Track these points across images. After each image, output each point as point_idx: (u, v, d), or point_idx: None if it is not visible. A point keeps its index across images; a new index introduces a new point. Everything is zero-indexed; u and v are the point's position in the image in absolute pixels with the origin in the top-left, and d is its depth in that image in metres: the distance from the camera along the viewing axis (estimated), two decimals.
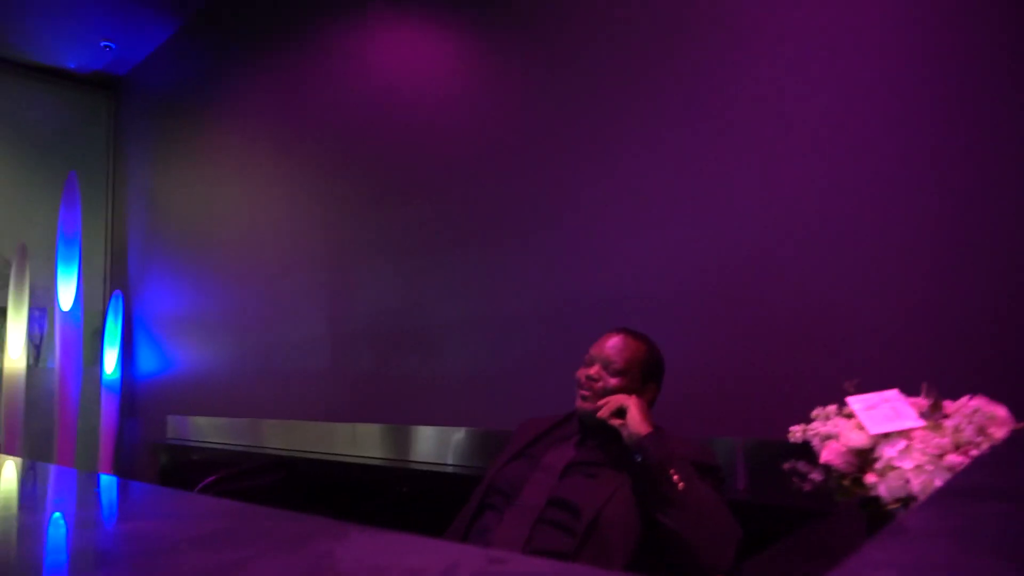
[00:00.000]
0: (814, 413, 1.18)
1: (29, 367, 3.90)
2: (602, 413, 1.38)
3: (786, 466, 1.18)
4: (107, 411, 3.93)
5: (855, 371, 1.19)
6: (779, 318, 1.69)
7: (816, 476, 1.14)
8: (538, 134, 2.22)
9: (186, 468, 3.27)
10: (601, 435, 1.44)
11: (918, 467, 1.02)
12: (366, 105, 2.79)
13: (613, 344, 1.48)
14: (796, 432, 1.17)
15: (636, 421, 1.33)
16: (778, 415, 1.67)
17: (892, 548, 0.35)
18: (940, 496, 0.51)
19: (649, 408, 1.42)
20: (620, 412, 1.37)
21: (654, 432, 1.31)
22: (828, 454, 1.11)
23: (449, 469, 2.25)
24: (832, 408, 1.17)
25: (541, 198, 2.19)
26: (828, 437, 1.13)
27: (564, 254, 2.11)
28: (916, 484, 1.01)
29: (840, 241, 1.62)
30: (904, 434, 1.05)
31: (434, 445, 2.38)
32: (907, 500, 1.03)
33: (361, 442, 2.61)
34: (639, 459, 1.29)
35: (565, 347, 2.06)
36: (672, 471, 1.24)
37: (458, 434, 2.31)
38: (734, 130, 1.79)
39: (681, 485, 1.23)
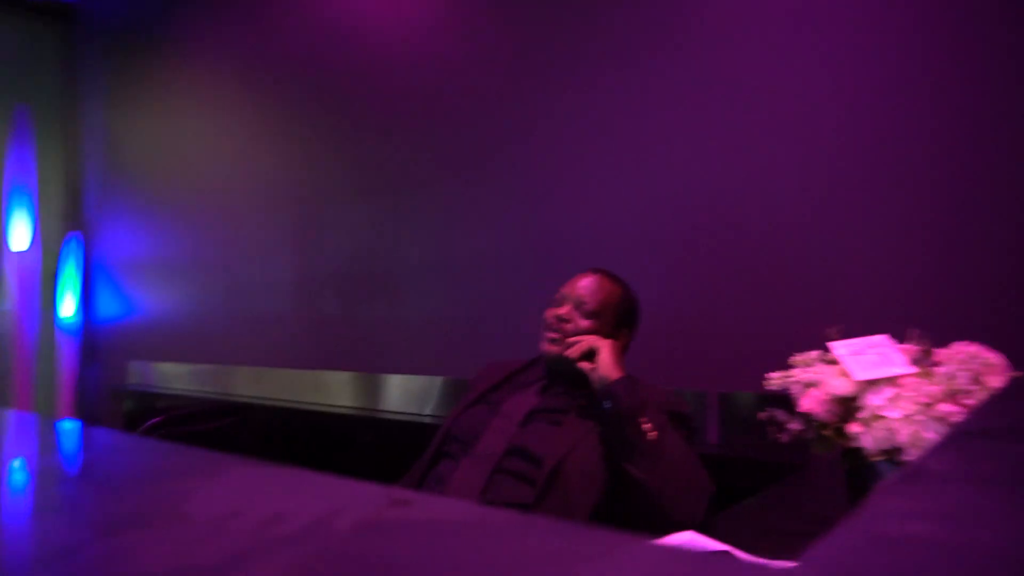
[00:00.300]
0: (794, 359, 1.09)
1: None
2: (571, 352, 1.28)
3: (762, 415, 1.10)
4: (66, 356, 3.80)
5: (837, 321, 1.09)
6: (757, 264, 1.60)
7: (795, 426, 1.06)
8: (508, 69, 2.07)
9: (151, 415, 3.16)
10: (567, 380, 1.34)
11: (907, 417, 0.93)
12: (332, 40, 2.62)
13: (586, 284, 1.37)
14: (774, 379, 1.08)
15: (607, 365, 1.23)
16: (752, 367, 1.60)
17: (915, 495, 0.25)
18: (953, 439, 0.41)
19: (622, 354, 1.33)
20: (590, 355, 1.27)
21: (626, 378, 1.22)
22: (809, 402, 1.03)
23: (414, 418, 2.17)
24: (814, 354, 1.08)
25: (512, 136, 2.06)
26: (809, 385, 1.04)
27: (535, 194, 2.00)
28: (904, 435, 0.93)
29: (824, 182, 1.52)
30: (892, 381, 0.96)
31: (400, 393, 2.29)
32: (893, 452, 0.95)
33: (325, 390, 2.52)
34: (608, 405, 1.20)
35: (537, 290, 1.95)
36: (643, 419, 1.15)
37: (424, 382, 2.21)
38: (717, 64, 1.66)
39: (652, 434, 1.15)
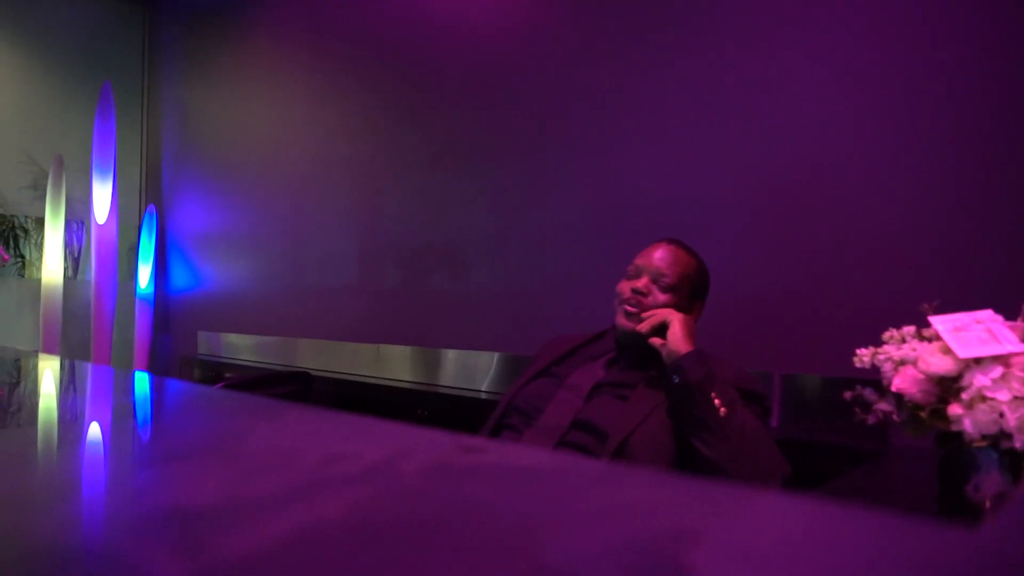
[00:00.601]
0: (886, 335, 1.02)
1: (67, 279, 3.93)
2: (642, 326, 1.23)
3: (848, 394, 1.03)
4: (141, 325, 3.96)
5: (921, 298, 1.01)
6: (834, 235, 1.50)
7: (884, 406, 0.98)
8: (577, 35, 2.01)
9: (217, 382, 3.26)
10: (637, 355, 1.29)
11: (1016, 399, 0.85)
12: (398, 13, 2.61)
13: (664, 256, 1.31)
14: (864, 355, 1.01)
15: (678, 338, 1.18)
16: (819, 347, 1.52)
17: None
18: None
19: (694, 328, 1.27)
20: (661, 329, 1.22)
21: (696, 352, 1.16)
22: (902, 381, 0.95)
23: (473, 394, 2.15)
24: (909, 329, 1.00)
25: (580, 104, 2.00)
26: (903, 362, 0.97)
27: (603, 165, 1.94)
28: (1012, 419, 0.85)
29: (911, 151, 1.41)
30: (1001, 360, 0.88)
31: (459, 369, 2.28)
32: (997, 437, 0.87)
33: (384, 363, 2.53)
34: (676, 380, 1.14)
35: (601, 264, 1.90)
36: (713, 394, 1.10)
37: (484, 358, 2.19)
38: (797, 26, 1.56)
39: (723, 410, 1.09)
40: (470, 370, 2.24)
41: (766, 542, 0.23)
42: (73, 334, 3.90)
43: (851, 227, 1.49)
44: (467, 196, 2.34)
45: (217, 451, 0.37)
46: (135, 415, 0.56)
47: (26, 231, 3.99)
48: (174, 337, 4.04)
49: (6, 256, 3.71)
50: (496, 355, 2.17)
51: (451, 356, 2.31)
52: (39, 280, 3.84)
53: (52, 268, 3.75)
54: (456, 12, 2.39)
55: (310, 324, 2.98)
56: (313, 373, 2.30)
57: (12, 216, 3.95)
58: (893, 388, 0.96)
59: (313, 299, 3.00)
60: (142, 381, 0.87)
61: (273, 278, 3.26)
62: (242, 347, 3.36)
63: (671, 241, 1.34)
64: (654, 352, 1.23)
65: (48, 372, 1.04)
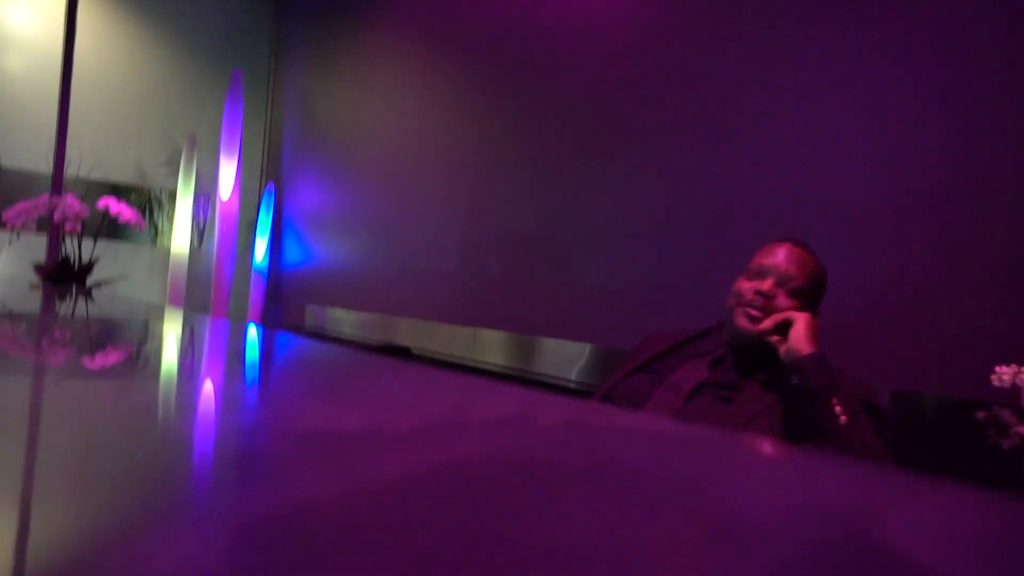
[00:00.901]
0: None
1: (192, 249, 4.23)
2: (764, 325, 1.17)
3: (981, 414, 0.94)
4: (255, 295, 4.21)
5: None
6: (963, 247, 1.38)
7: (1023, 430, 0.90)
8: (688, 30, 1.95)
9: None
10: (748, 357, 1.24)
11: None
12: (508, 16, 2.62)
13: (791, 257, 1.23)
14: (1004, 374, 0.92)
15: (800, 338, 1.12)
16: (936, 365, 1.40)
17: None
18: None
19: (820, 330, 1.19)
20: (783, 328, 1.16)
21: (820, 354, 1.10)
22: None
23: (563, 383, 2.15)
24: None
25: (690, 101, 1.94)
26: None
27: (705, 162, 1.87)
28: None
29: None
30: None
31: (555, 358, 2.27)
32: None
33: (481, 347, 2.57)
34: (795, 382, 1.09)
35: (700, 262, 1.84)
36: (835, 400, 1.04)
37: (581, 348, 2.18)
38: (928, 16, 1.44)
39: (844, 418, 1.02)
40: (563, 359, 2.23)
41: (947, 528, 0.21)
42: (195, 299, 4.19)
43: (988, 239, 1.36)
44: (570, 191, 2.33)
45: (349, 395, 0.38)
46: (270, 361, 0.59)
47: (160, 204, 4.32)
48: (284, 308, 4.27)
49: (143, 223, 4.04)
50: (588, 346, 2.15)
51: (545, 344, 2.32)
52: (168, 249, 4.15)
53: (180, 239, 4.05)
54: (566, 10, 2.38)
55: (411, 304, 3.07)
56: (412, 349, 2.37)
57: (149, 188, 4.29)
58: None
59: (415, 281, 3.08)
60: (279, 336, 0.91)
61: (379, 259, 3.38)
62: (345, 321, 3.51)
63: (796, 241, 1.27)
64: (767, 355, 1.18)
65: (209, 326, 1.12)
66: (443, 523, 0.17)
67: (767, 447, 0.29)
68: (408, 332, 3.01)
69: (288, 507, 0.17)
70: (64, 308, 1.32)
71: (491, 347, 2.53)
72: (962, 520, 0.20)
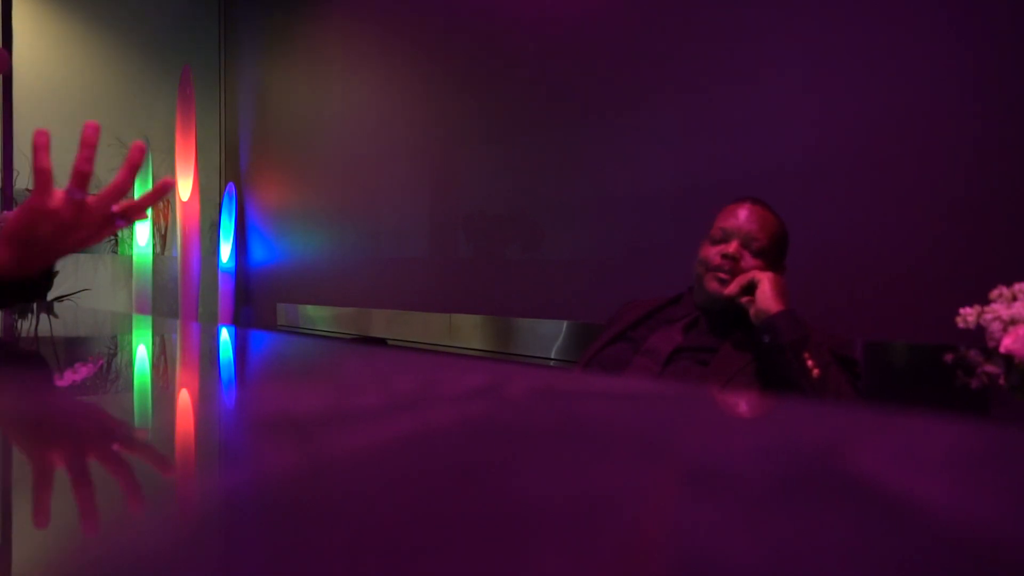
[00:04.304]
0: (994, 293, 0.95)
1: (156, 255, 4.14)
2: (730, 288, 1.19)
3: (949, 356, 0.96)
4: (224, 297, 4.14)
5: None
6: (922, 201, 1.40)
7: (990, 368, 0.92)
8: (650, 4, 1.94)
9: None
10: (719, 319, 1.25)
11: None
12: None
13: (752, 218, 1.24)
14: (968, 315, 0.94)
15: (768, 297, 1.13)
16: (904, 314, 1.43)
17: None
18: None
19: (785, 287, 1.20)
20: (749, 289, 1.17)
21: (789, 311, 1.12)
22: (1012, 342, 0.89)
23: (542, 362, 2.15)
24: (1021, 287, 0.93)
25: (650, 71, 1.94)
26: (1013, 321, 0.90)
27: (672, 133, 1.88)
28: None
29: (1021, 102, 1.30)
30: None
31: (532, 338, 2.28)
32: None
33: (457, 332, 2.56)
34: (767, 339, 1.10)
35: (672, 232, 1.85)
36: (806, 354, 1.05)
37: (558, 326, 2.19)
38: None
39: (816, 371, 1.04)
40: (540, 338, 2.24)
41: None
42: (162, 306, 4.11)
43: (949, 195, 1.39)
44: (537, 166, 2.32)
45: (320, 376, 0.37)
46: (242, 359, 0.58)
47: None
48: (255, 309, 4.21)
49: None
50: (565, 323, 2.16)
51: (521, 324, 2.32)
52: (130, 256, 4.06)
53: (142, 245, 3.96)
54: None
55: (384, 295, 3.04)
56: (387, 340, 2.36)
57: None
58: (1002, 349, 0.89)
59: (387, 271, 3.06)
60: (245, 334, 0.91)
61: (348, 251, 3.35)
62: (318, 318, 3.47)
63: (754, 200, 1.28)
64: (738, 316, 1.19)
65: (174, 330, 1.09)
66: (414, 486, 0.17)
67: (737, 399, 0.30)
68: (382, 323, 2.99)
69: (257, 483, 0.17)
70: (26, 326, 1.29)
71: (467, 331, 2.52)
72: (927, 444, 0.20)
